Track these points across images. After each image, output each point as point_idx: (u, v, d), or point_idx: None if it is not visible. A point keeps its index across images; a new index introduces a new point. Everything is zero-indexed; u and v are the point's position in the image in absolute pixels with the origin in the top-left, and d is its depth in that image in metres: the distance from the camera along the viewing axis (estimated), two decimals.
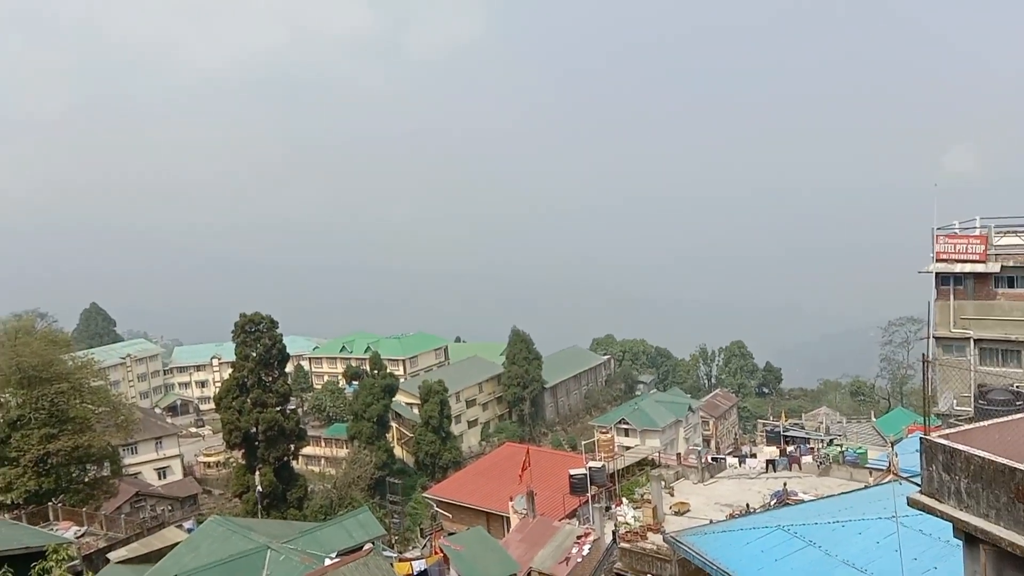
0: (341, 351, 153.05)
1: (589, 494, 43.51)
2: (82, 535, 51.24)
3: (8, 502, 56.30)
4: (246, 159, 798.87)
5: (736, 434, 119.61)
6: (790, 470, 54.05)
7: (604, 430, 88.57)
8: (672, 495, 48.20)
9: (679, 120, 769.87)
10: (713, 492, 49.89)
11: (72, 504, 57.26)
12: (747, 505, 44.94)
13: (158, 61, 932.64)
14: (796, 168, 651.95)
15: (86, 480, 62.16)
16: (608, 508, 43.88)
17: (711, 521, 37.36)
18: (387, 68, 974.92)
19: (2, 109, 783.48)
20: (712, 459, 59.80)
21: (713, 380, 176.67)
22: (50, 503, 56.04)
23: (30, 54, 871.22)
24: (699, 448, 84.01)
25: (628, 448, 74.31)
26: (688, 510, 45.26)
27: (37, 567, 23.28)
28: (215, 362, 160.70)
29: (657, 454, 62.77)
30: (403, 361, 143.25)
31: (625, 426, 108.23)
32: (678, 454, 70.45)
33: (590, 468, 45.31)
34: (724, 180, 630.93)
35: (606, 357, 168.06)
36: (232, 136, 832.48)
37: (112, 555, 46.27)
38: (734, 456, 61.62)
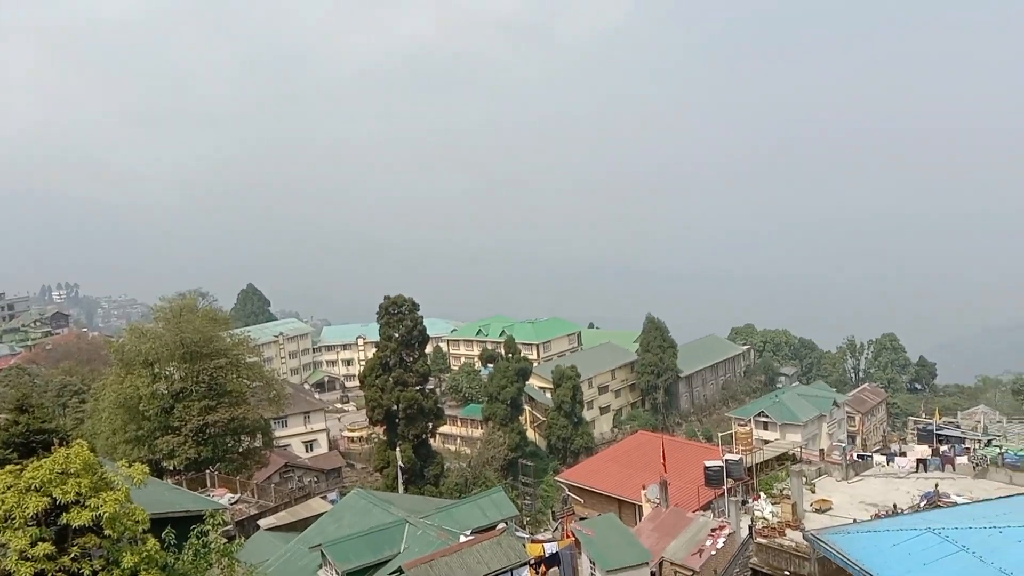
0: (477, 334, 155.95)
1: (725, 487, 42.65)
2: (235, 502, 54.64)
3: (171, 468, 60.59)
4: (397, 146, 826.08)
5: (884, 431, 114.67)
6: (943, 471, 51.32)
7: (742, 422, 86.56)
8: (813, 492, 46.69)
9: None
10: (857, 491, 47.97)
11: (227, 472, 61.08)
12: (894, 506, 43.12)
13: (318, 53, 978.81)
14: None
15: (240, 450, 65.93)
16: (745, 502, 42.94)
17: (855, 520, 35.99)
18: (535, 53, 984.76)
19: (179, 103, 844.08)
20: (857, 456, 57.48)
21: (861, 374, 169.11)
22: (207, 470, 60.01)
23: (205, 51, 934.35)
24: (843, 445, 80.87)
25: (767, 442, 72.05)
26: (830, 508, 43.72)
27: (196, 530, 25.05)
28: (360, 341, 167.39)
29: (798, 449, 60.68)
30: (536, 346, 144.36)
31: (764, 419, 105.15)
32: (821, 450, 67.94)
33: (727, 460, 44.32)
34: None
35: (745, 347, 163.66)
36: (383, 123, 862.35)
37: (262, 522, 49.23)
38: (881, 454, 59.16)
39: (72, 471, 21.22)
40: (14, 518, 20.29)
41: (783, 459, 55.07)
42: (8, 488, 20.70)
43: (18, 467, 21.73)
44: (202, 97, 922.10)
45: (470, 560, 27.83)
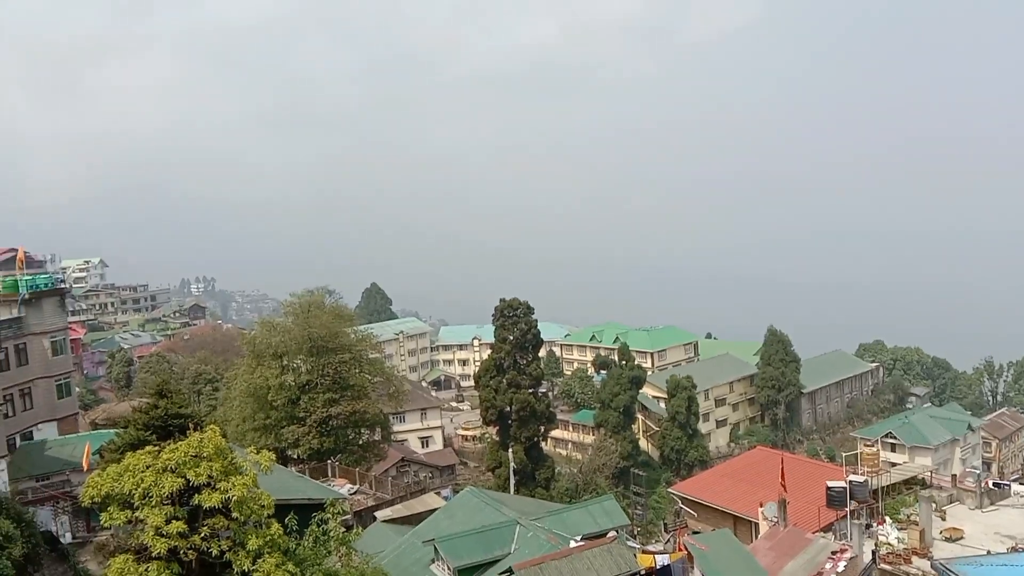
0: (591, 340, 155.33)
1: (848, 509, 40.91)
2: (354, 493, 56.38)
3: (295, 456, 63.09)
4: (512, 151, 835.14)
5: None
6: None
7: (868, 443, 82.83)
8: (943, 519, 44.19)
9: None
10: (992, 521, 45.02)
11: (347, 464, 63.09)
12: None
13: (436, 59, 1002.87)
14: None
15: (360, 443, 67.96)
16: (869, 526, 41.12)
17: (989, 552, 33.87)
18: (657, 55, 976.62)
19: (305, 105, 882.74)
20: (993, 484, 53.83)
21: (999, 397, 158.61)
22: (329, 461, 62.18)
23: (331, 55, 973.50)
24: (978, 471, 75.74)
25: (894, 464, 68.78)
26: (961, 537, 41.23)
27: (316, 517, 25.96)
28: (476, 342, 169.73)
29: (928, 473, 57.49)
30: (651, 354, 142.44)
31: (892, 440, 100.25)
32: (953, 476, 63.96)
33: (851, 481, 42.50)
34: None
35: (874, 365, 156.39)
36: (500, 128, 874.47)
37: (379, 514, 50.63)
38: (1021, 483, 55.16)
39: (205, 455, 22.38)
40: (151, 496, 21.57)
41: (911, 483, 52.37)
42: (147, 468, 22.04)
43: (156, 448, 23.10)
44: (327, 100, 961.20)
45: (580, 566, 27.73)
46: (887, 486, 48.49)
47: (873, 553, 37.19)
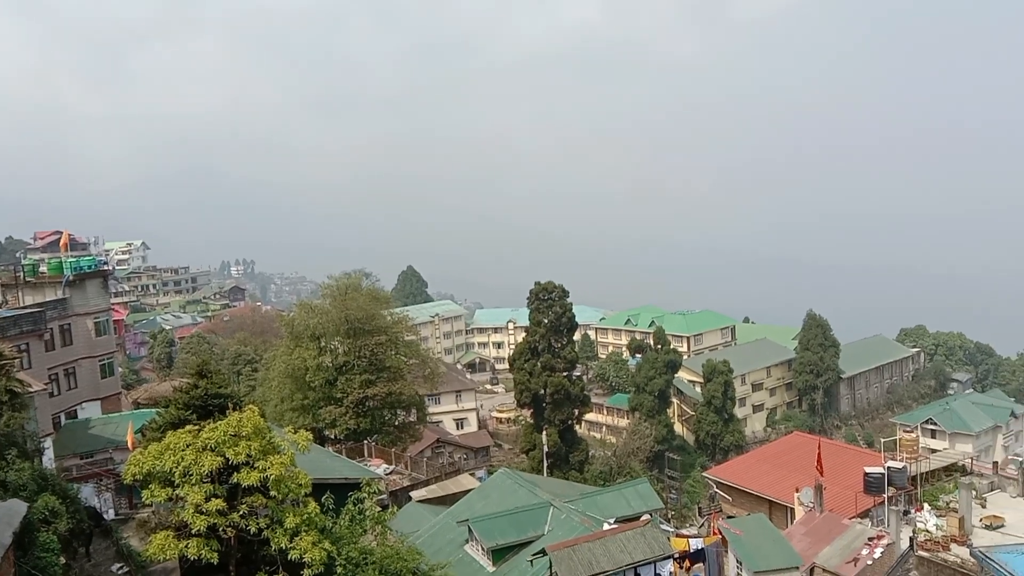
0: (626, 323, 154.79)
1: (886, 495, 40.47)
2: (390, 473, 57.03)
3: (332, 436, 63.97)
4: (552, 133, 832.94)
5: None
6: None
7: (908, 429, 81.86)
8: (984, 507, 43.43)
9: None
10: None
11: (383, 444, 63.88)
12: None
13: (479, 42, 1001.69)
14: None
15: (396, 423, 68.73)
16: (906, 512, 40.60)
17: None
18: (705, 34, 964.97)
19: (348, 89, 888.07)
20: None
21: None
22: (365, 441, 62.96)
23: (375, 39, 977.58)
24: (1020, 458, 74.49)
25: (934, 451, 67.78)
26: (1002, 525, 40.51)
27: (353, 496, 26.31)
28: (510, 325, 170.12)
29: (969, 460, 56.59)
30: (687, 338, 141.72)
31: (932, 427, 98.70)
32: (995, 463, 62.97)
33: (889, 468, 42.01)
34: None
35: (915, 350, 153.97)
36: (542, 110, 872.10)
37: (414, 493, 51.16)
38: None
39: (244, 434, 22.79)
40: (191, 474, 22.05)
41: (951, 470, 51.61)
42: (187, 446, 22.51)
43: (196, 428, 23.57)
44: (369, 84, 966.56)
45: (613, 548, 27.75)
46: (926, 473, 47.85)
47: (911, 540, 36.75)
